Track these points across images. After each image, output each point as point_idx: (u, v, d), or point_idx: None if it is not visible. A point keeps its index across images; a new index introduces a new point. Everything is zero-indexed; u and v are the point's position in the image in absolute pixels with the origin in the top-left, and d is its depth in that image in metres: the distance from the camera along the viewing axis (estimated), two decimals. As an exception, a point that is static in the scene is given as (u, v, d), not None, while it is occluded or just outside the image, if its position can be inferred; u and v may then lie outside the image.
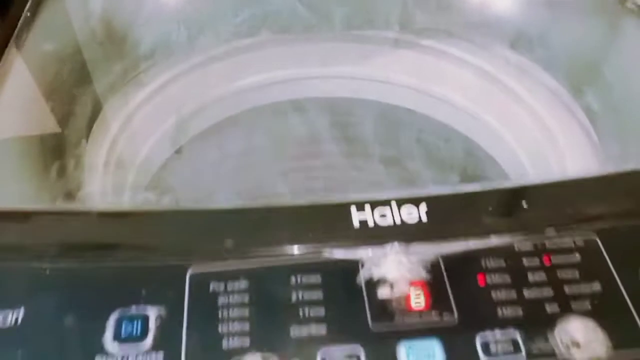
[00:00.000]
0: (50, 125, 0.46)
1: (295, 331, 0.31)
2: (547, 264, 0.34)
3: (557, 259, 0.34)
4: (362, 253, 0.34)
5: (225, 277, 0.33)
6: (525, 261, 0.34)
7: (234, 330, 0.31)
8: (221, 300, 0.32)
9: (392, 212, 0.36)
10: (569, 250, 0.34)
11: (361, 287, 0.33)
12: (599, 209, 0.37)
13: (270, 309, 0.32)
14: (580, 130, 0.57)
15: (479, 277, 0.33)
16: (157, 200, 0.41)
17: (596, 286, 0.33)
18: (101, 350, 0.30)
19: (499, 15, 0.64)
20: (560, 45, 0.61)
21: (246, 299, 0.32)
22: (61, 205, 0.40)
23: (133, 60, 0.63)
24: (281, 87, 0.66)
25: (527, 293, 0.33)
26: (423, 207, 0.37)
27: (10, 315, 0.31)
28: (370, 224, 0.36)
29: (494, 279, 0.33)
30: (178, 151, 0.67)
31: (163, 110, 0.65)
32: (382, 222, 0.36)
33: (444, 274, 0.34)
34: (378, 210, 0.36)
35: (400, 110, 0.63)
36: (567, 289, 0.33)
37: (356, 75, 0.64)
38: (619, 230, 0.35)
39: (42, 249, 0.34)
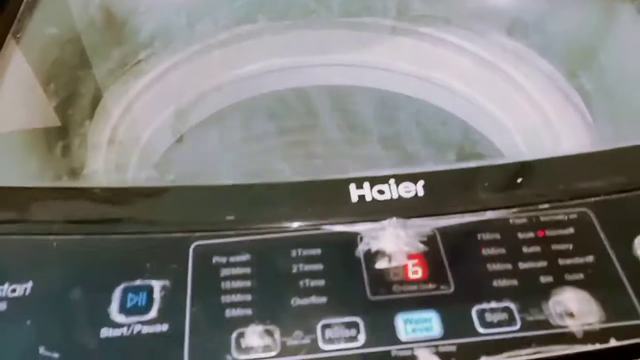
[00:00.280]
0: (54, 106, 0.47)
1: (296, 302, 0.32)
2: (541, 237, 0.35)
3: (551, 232, 0.35)
4: (361, 227, 0.35)
5: (227, 250, 0.34)
6: (520, 234, 0.35)
7: (236, 302, 0.32)
8: (224, 272, 0.33)
9: (390, 188, 0.37)
10: (562, 224, 0.35)
11: (360, 260, 0.34)
12: (591, 183, 0.37)
13: (272, 281, 0.33)
14: (576, 114, 0.58)
15: (475, 250, 0.34)
16: (161, 178, 0.42)
17: (589, 258, 0.34)
18: (107, 321, 0.31)
19: (495, 2, 0.65)
20: (556, 30, 0.62)
21: (248, 271, 0.33)
22: (66, 182, 0.41)
23: (133, 47, 0.64)
24: (281, 75, 0.67)
25: (522, 265, 0.34)
26: (420, 183, 0.37)
27: (19, 287, 0.32)
28: (369, 198, 0.37)
29: (490, 251, 0.34)
30: (179, 139, 0.67)
31: (163, 99, 0.65)
32: (380, 198, 0.37)
33: (441, 246, 0.34)
34: (376, 187, 0.37)
35: (399, 96, 0.63)
36: (560, 261, 0.34)
37: (355, 62, 0.65)
38: (611, 204, 0.36)
39: (49, 223, 0.35)
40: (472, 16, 0.64)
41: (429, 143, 0.58)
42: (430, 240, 0.35)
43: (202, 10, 0.65)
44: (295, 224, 0.35)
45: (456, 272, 0.33)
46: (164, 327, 0.31)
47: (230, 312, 0.31)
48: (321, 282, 0.33)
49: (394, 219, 0.36)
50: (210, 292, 0.32)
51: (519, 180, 0.38)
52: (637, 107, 0.53)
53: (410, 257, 0.34)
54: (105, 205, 0.36)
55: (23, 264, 0.33)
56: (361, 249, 0.34)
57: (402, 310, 0.32)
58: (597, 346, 0.30)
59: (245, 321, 0.31)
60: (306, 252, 0.34)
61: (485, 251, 0.34)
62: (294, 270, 0.33)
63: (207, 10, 0.65)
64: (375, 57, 0.64)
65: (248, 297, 0.32)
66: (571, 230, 0.35)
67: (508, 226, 0.35)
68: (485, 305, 0.32)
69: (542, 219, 0.36)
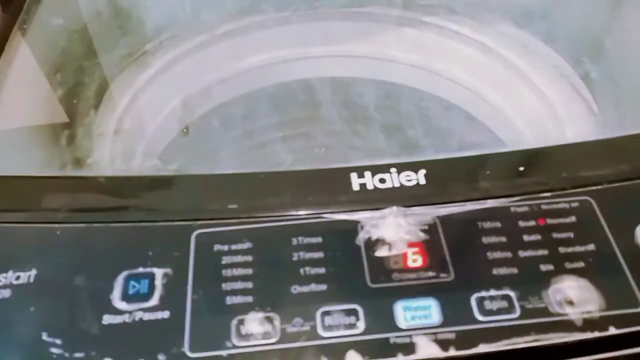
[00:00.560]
0: (59, 96, 0.47)
1: (296, 290, 0.32)
2: (542, 225, 0.35)
3: (552, 221, 0.35)
4: (362, 215, 0.35)
5: (229, 238, 0.34)
6: (521, 222, 0.35)
7: (237, 289, 0.32)
8: (225, 260, 0.33)
9: (391, 177, 0.37)
10: (564, 212, 0.35)
11: (360, 248, 0.34)
12: (594, 172, 0.37)
13: (273, 268, 0.33)
14: (581, 103, 0.57)
15: (476, 238, 0.34)
16: (165, 167, 0.42)
17: (590, 247, 0.34)
18: (109, 308, 0.31)
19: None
20: (561, 19, 0.61)
21: (249, 259, 0.33)
22: (71, 171, 0.41)
23: (139, 38, 0.64)
24: (285, 66, 0.67)
25: (522, 253, 0.34)
26: (422, 172, 0.37)
27: (23, 275, 0.32)
28: (370, 187, 0.37)
29: (490, 239, 0.34)
30: (185, 131, 0.68)
31: (169, 90, 0.65)
32: (381, 186, 0.37)
33: (441, 235, 0.34)
34: (378, 175, 0.37)
35: (403, 87, 0.63)
36: (561, 249, 0.34)
37: (358, 53, 0.65)
38: (613, 193, 0.36)
39: (53, 212, 0.35)
40: (478, 5, 0.64)
41: (431, 133, 0.58)
42: (431, 229, 0.35)
43: (206, 1, 0.65)
44: (297, 213, 0.36)
45: (456, 260, 0.33)
46: (165, 314, 0.31)
47: (230, 299, 0.32)
48: (321, 270, 0.33)
49: (395, 208, 0.36)
50: (211, 279, 0.32)
51: (521, 168, 0.38)
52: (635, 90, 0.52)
53: (411, 245, 0.34)
54: (109, 194, 0.37)
55: (27, 252, 0.33)
56: (362, 237, 0.34)
57: (401, 297, 0.32)
58: (597, 334, 0.30)
59: (245, 308, 0.31)
60: (307, 240, 0.34)
61: (486, 239, 0.34)
62: (295, 258, 0.33)
63: (211, 1, 0.65)
64: (379, 48, 0.64)
65: (249, 285, 0.32)
66: (573, 218, 0.35)
67: (509, 215, 0.35)
68: (484, 293, 0.32)
69: (544, 207, 0.36)
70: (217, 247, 0.33)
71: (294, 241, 0.34)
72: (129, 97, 0.61)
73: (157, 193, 0.37)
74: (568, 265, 0.33)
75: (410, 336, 0.30)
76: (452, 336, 0.30)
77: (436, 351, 0.30)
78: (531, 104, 0.60)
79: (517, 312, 0.31)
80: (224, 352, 0.30)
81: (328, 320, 0.31)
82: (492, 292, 0.32)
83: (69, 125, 0.46)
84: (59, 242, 0.34)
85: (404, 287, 0.32)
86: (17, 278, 0.32)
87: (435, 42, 0.64)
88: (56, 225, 0.34)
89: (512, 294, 0.32)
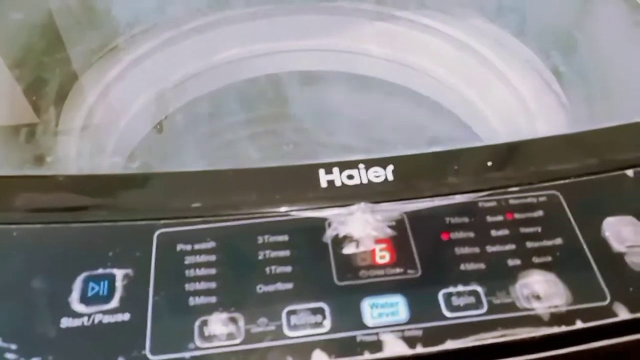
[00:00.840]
0: (20, 93, 0.46)
1: (262, 289, 0.32)
2: (510, 220, 0.35)
3: (520, 215, 0.35)
4: (329, 212, 0.35)
5: (192, 237, 0.33)
6: (489, 217, 0.35)
7: (200, 289, 0.31)
8: (188, 260, 0.32)
9: (359, 173, 0.37)
10: (531, 207, 0.35)
11: (327, 245, 0.33)
12: (562, 166, 0.37)
13: (237, 268, 0.32)
14: (552, 96, 0.58)
15: (443, 234, 0.34)
16: (126, 165, 0.41)
17: (558, 241, 0.34)
18: (68, 310, 0.30)
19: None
20: (532, 12, 0.61)
21: (213, 258, 0.33)
22: (28, 170, 0.40)
23: (108, 33, 0.63)
24: (255, 62, 0.66)
25: (490, 248, 0.33)
26: (390, 168, 0.37)
27: (-24, 277, 0.31)
28: (338, 184, 0.36)
29: (458, 235, 0.34)
30: (158, 128, 0.67)
31: (139, 86, 0.64)
32: (349, 183, 0.36)
33: (409, 231, 0.34)
34: (346, 172, 0.37)
35: (373, 80, 0.63)
36: (529, 244, 0.33)
37: (328, 47, 0.64)
38: (581, 186, 0.36)
39: (10, 212, 0.34)
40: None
41: (402, 128, 0.57)
42: (398, 225, 0.34)
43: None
44: (263, 210, 0.35)
45: (424, 257, 0.33)
46: (126, 316, 0.30)
47: (193, 300, 0.31)
48: (288, 269, 0.32)
49: (363, 204, 0.35)
50: (173, 280, 0.32)
51: (489, 163, 0.38)
52: (611, 88, 0.52)
53: (378, 241, 0.34)
54: (69, 193, 0.36)
55: (-19, 253, 0.32)
56: (329, 235, 0.34)
57: (368, 295, 0.32)
58: (563, 328, 0.30)
59: (209, 309, 0.31)
60: (273, 238, 0.34)
61: (454, 235, 0.34)
62: (260, 257, 0.33)
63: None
64: (349, 42, 0.63)
65: (212, 285, 0.32)
66: (540, 213, 0.35)
67: (477, 210, 0.35)
68: (452, 289, 0.32)
69: (512, 202, 0.35)
70: (180, 246, 0.33)
71: (260, 240, 0.33)
72: (98, 93, 0.60)
73: (118, 192, 0.36)
74: (535, 259, 0.33)
75: (377, 334, 0.30)
76: (419, 333, 0.30)
77: (403, 349, 0.30)
78: (503, 97, 0.60)
79: (485, 308, 0.31)
80: (186, 354, 0.29)
81: (294, 319, 0.30)
82: (460, 288, 0.32)
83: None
84: (16, 243, 0.33)
85: (371, 284, 0.32)
86: (-29, 281, 0.31)
87: (407, 36, 0.64)
88: (13, 226, 0.33)
89: (479, 289, 0.32)
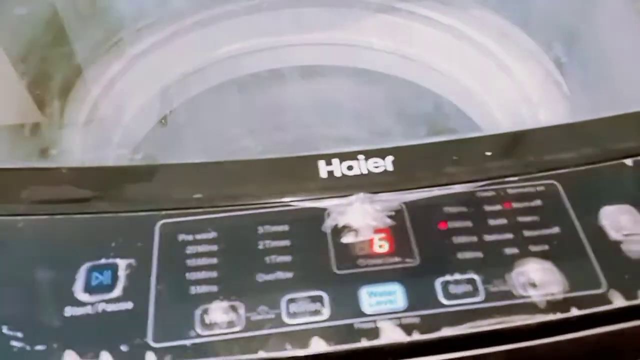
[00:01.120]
0: (24, 90, 0.47)
1: (262, 278, 0.32)
2: (508, 209, 0.35)
3: (517, 205, 0.35)
4: (329, 203, 0.35)
5: (194, 227, 0.34)
6: (487, 207, 0.35)
7: (202, 278, 0.32)
8: (190, 249, 0.33)
9: (359, 164, 0.37)
10: (529, 196, 0.35)
11: (327, 235, 0.34)
12: (560, 155, 0.37)
13: (238, 257, 0.33)
14: (555, 86, 0.58)
15: (441, 223, 0.34)
16: (131, 158, 0.42)
17: (555, 230, 0.34)
18: (71, 300, 0.31)
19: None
20: (534, 3, 0.61)
21: (214, 248, 0.33)
22: (33, 163, 0.41)
23: (112, 26, 0.63)
24: (259, 56, 0.66)
25: (487, 237, 0.34)
26: (389, 158, 0.37)
27: (-17, 267, 0.32)
28: (338, 174, 0.37)
29: (456, 224, 0.34)
30: (163, 122, 0.67)
31: (143, 80, 0.65)
32: (349, 173, 0.37)
33: (408, 220, 0.34)
34: (345, 163, 0.37)
35: (374, 73, 0.63)
36: (526, 233, 0.34)
37: (329, 41, 0.64)
38: (579, 176, 0.36)
39: (15, 204, 0.34)
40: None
41: (403, 119, 0.58)
42: (397, 215, 0.35)
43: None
44: (263, 201, 0.35)
45: (422, 246, 0.33)
46: (129, 305, 0.31)
47: (195, 289, 0.31)
48: (287, 258, 0.33)
49: (362, 194, 0.36)
50: (175, 269, 0.32)
51: (488, 153, 0.38)
52: (612, 78, 0.52)
53: (377, 231, 0.34)
54: (72, 185, 0.36)
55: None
56: (328, 224, 0.34)
57: (366, 283, 0.32)
58: (559, 315, 0.31)
59: (210, 297, 0.31)
60: (273, 228, 0.34)
61: (452, 224, 0.34)
62: (261, 247, 0.33)
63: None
64: (350, 35, 0.63)
65: (214, 274, 0.32)
66: (538, 202, 0.35)
67: (475, 199, 0.35)
68: (449, 277, 0.32)
69: (510, 191, 0.36)
70: (181, 236, 0.33)
71: (260, 230, 0.34)
72: (102, 87, 0.61)
73: (121, 184, 0.36)
74: (532, 248, 0.33)
75: (374, 321, 0.30)
76: (416, 320, 0.31)
77: (400, 336, 0.30)
78: (505, 88, 0.60)
79: (482, 296, 0.31)
80: (187, 342, 0.30)
81: (293, 307, 0.31)
82: (457, 276, 0.32)
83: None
84: (21, 234, 0.33)
85: (370, 273, 0.32)
86: (-22, 270, 0.32)
87: (408, 27, 0.64)
88: (18, 217, 0.34)
89: (476, 277, 0.32)
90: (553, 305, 0.31)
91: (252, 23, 0.62)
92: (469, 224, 0.34)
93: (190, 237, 0.33)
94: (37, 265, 0.32)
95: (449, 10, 0.61)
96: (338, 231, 0.34)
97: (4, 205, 0.35)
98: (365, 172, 0.37)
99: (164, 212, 0.34)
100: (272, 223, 0.34)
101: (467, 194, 0.36)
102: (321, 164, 0.37)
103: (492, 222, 0.34)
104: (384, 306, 0.31)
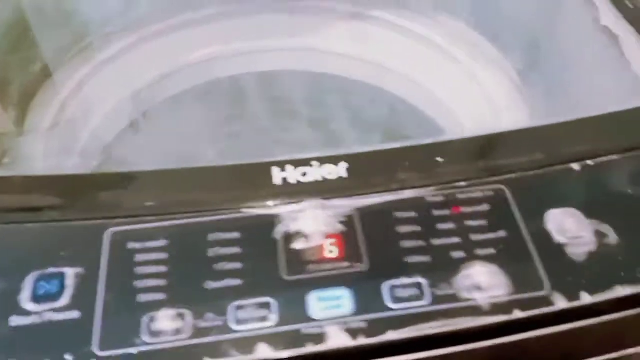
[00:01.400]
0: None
1: (210, 286, 0.32)
2: (456, 213, 0.35)
3: (466, 209, 0.36)
4: (281, 209, 0.36)
5: (144, 235, 0.34)
6: (435, 212, 0.35)
7: (149, 286, 0.32)
8: (139, 257, 0.33)
9: (313, 171, 0.37)
10: (478, 201, 0.36)
11: (277, 241, 0.34)
12: (509, 160, 0.38)
13: (187, 265, 0.33)
14: (518, 94, 0.59)
15: (391, 228, 0.35)
16: (95, 165, 0.42)
17: (501, 233, 0.35)
18: (17, 309, 0.31)
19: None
20: (500, 12, 0.62)
21: (164, 256, 0.33)
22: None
23: (79, 31, 0.63)
24: (218, 63, 0.66)
25: (435, 241, 0.34)
26: (343, 164, 0.38)
27: None
28: (292, 181, 0.37)
29: (405, 229, 0.35)
30: (132, 125, 0.67)
31: (109, 86, 0.65)
32: (303, 180, 0.37)
33: (358, 226, 0.35)
34: (299, 169, 0.37)
35: (331, 78, 0.64)
36: (473, 237, 0.34)
37: (291, 47, 0.65)
38: (526, 180, 0.37)
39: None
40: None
41: (359, 124, 0.58)
42: (349, 220, 0.35)
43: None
44: (215, 208, 0.36)
45: (371, 250, 0.34)
46: (75, 314, 0.31)
47: (142, 297, 0.32)
48: (237, 265, 0.33)
49: (314, 201, 0.36)
50: (123, 277, 0.32)
51: (439, 159, 0.38)
52: (572, 87, 0.53)
53: (328, 237, 0.35)
54: (25, 194, 0.36)
55: None
56: (279, 231, 0.35)
57: (315, 288, 0.32)
58: (502, 317, 0.31)
59: (157, 305, 0.31)
60: (224, 235, 0.34)
61: (401, 229, 0.35)
62: (210, 254, 0.33)
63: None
64: (308, 40, 0.64)
65: (162, 282, 0.32)
66: (486, 206, 0.36)
67: (424, 204, 0.36)
68: (396, 282, 0.32)
69: (459, 196, 0.36)
70: (130, 245, 0.33)
71: (210, 237, 0.34)
72: (69, 91, 0.61)
73: (72, 192, 0.36)
74: (479, 252, 0.34)
75: (321, 326, 0.31)
76: (363, 325, 0.31)
77: (346, 340, 0.30)
78: (469, 94, 0.61)
79: (428, 299, 0.32)
80: (133, 350, 0.30)
81: (241, 314, 0.31)
82: (404, 280, 0.33)
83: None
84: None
85: (319, 278, 0.33)
86: None
87: (376, 34, 0.64)
88: (-35, 227, 0.34)
89: (423, 281, 0.32)
90: (497, 308, 0.31)
91: (214, 31, 0.63)
92: (417, 228, 0.35)
93: (139, 245, 0.33)
94: (-16, 275, 0.32)
95: (410, 14, 0.62)
96: (289, 237, 0.34)
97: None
98: (319, 178, 0.37)
99: (115, 221, 0.34)
100: (222, 230, 0.34)
101: (417, 199, 0.36)
102: (275, 170, 0.38)
103: (440, 226, 0.35)
104: (332, 311, 0.31)
